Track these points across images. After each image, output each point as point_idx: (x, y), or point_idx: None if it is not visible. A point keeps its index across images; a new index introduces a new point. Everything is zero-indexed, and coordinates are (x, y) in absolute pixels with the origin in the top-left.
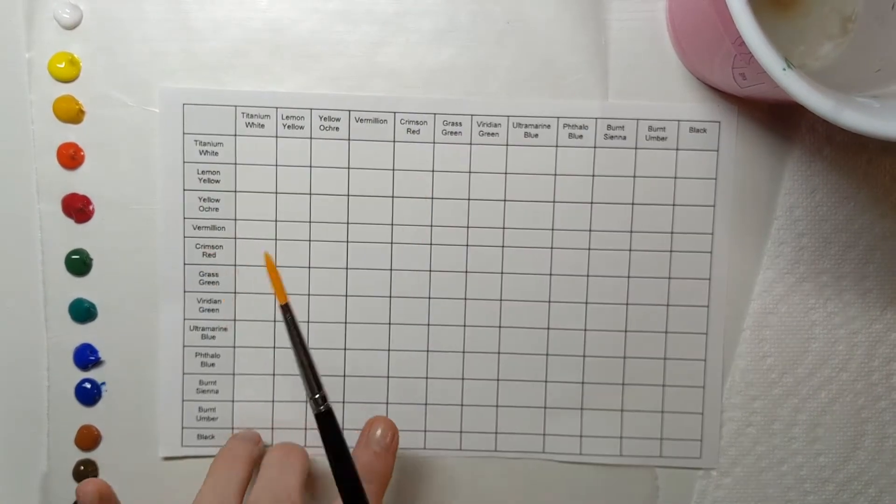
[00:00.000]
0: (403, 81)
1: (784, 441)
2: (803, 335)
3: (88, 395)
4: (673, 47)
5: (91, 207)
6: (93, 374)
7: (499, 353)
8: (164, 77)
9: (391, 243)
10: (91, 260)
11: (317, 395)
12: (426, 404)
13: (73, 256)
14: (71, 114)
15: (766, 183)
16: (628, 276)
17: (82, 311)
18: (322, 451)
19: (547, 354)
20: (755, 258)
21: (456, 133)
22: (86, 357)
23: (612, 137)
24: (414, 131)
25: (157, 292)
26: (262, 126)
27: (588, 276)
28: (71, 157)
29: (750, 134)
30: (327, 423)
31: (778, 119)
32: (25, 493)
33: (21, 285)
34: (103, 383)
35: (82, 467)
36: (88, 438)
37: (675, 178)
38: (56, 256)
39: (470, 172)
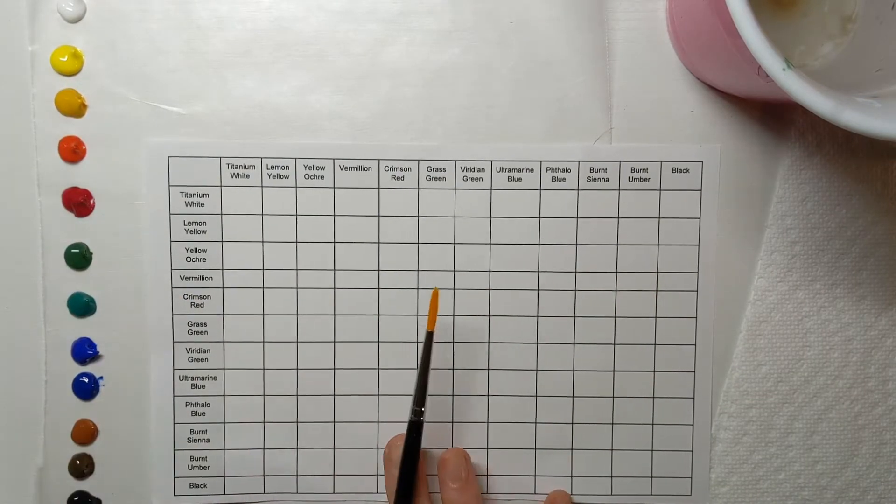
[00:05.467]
0: (406, 81)
1: (781, 449)
2: (798, 343)
3: (86, 389)
4: (673, 47)
5: (92, 201)
6: (91, 368)
7: (488, 395)
8: (167, 72)
9: (378, 289)
10: (91, 254)
11: (416, 407)
12: None
13: (73, 250)
14: (73, 107)
15: (756, 192)
16: (615, 316)
17: (81, 305)
18: None
19: (536, 396)
20: (747, 267)
21: (440, 178)
22: (84, 351)
23: (595, 180)
24: (398, 178)
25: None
26: (248, 176)
27: (575, 316)
28: (72, 151)
29: (739, 143)
30: (414, 431)
31: (768, 128)
32: (21, 486)
33: (20, 278)
34: (101, 378)
35: (78, 462)
36: (85, 433)
37: (659, 218)
38: (56, 250)
39: (455, 217)
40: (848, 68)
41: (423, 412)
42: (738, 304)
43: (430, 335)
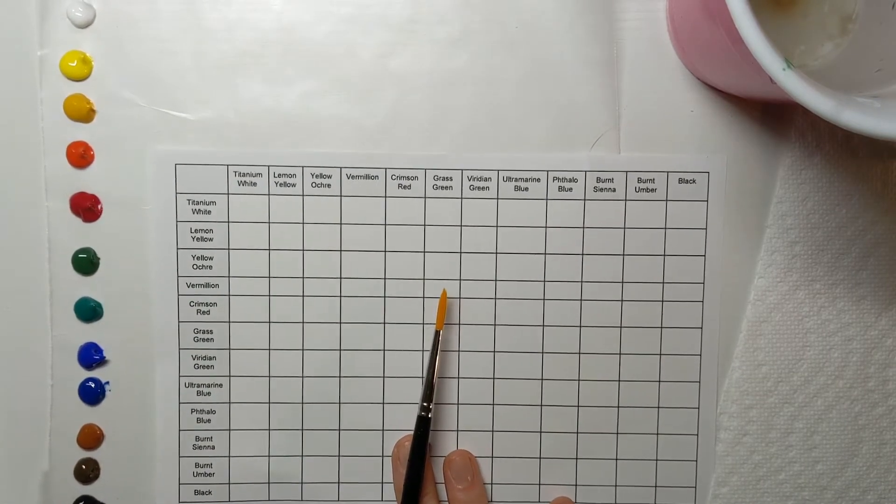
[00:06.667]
0: (413, 87)
1: (781, 449)
2: (798, 343)
3: (92, 394)
4: (673, 48)
5: (99, 207)
6: (97, 373)
7: (493, 404)
8: (175, 77)
9: (384, 297)
10: (98, 259)
11: (425, 403)
12: None
13: (81, 255)
14: (81, 112)
15: (756, 192)
16: (620, 326)
17: (88, 310)
18: None
19: (541, 405)
20: (748, 267)
21: (447, 188)
22: (90, 356)
23: (601, 190)
24: (405, 186)
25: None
26: (255, 184)
27: (580, 326)
28: (80, 156)
29: (739, 143)
30: (422, 426)
31: (768, 128)
32: (26, 491)
33: (27, 283)
34: (107, 382)
35: (84, 466)
36: (91, 437)
37: (665, 228)
38: (63, 255)
39: (461, 226)
40: (848, 68)
41: (430, 409)
42: (738, 304)
43: (437, 334)
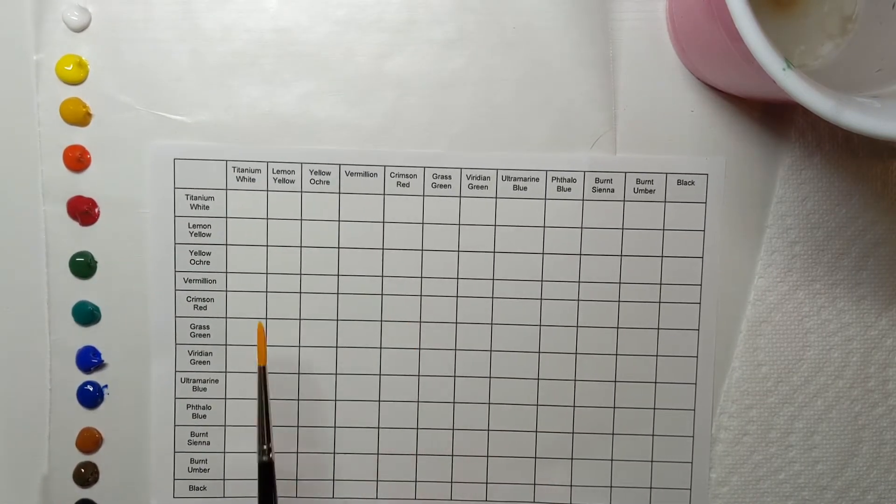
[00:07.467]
0: (411, 89)
1: (781, 449)
2: (798, 343)
3: (90, 397)
4: (672, 47)
5: (97, 210)
6: (95, 376)
7: (489, 403)
8: (172, 80)
9: (381, 295)
10: (96, 262)
11: (265, 446)
12: (416, 455)
13: (78, 259)
14: (78, 116)
15: (756, 192)
16: (617, 327)
17: (86, 314)
18: None
19: (537, 405)
20: (748, 267)
21: (445, 186)
22: (88, 359)
23: (600, 190)
24: (404, 184)
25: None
26: (253, 180)
27: (577, 326)
28: (77, 160)
29: (739, 143)
30: (267, 472)
31: (768, 128)
32: (25, 494)
33: (25, 287)
34: (105, 386)
35: (83, 470)
36: (90, 441)
37: (663, 230)
38: (60, 258)
39: (459, 225)
40: (848, 68)
41: (270, 450)
42: (738, 304)
43: (261, 370)
